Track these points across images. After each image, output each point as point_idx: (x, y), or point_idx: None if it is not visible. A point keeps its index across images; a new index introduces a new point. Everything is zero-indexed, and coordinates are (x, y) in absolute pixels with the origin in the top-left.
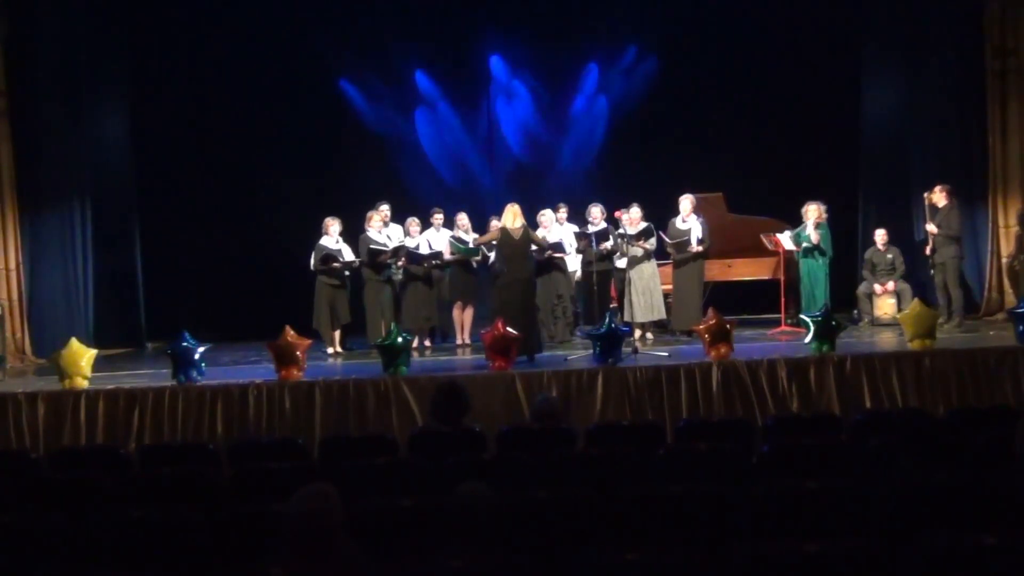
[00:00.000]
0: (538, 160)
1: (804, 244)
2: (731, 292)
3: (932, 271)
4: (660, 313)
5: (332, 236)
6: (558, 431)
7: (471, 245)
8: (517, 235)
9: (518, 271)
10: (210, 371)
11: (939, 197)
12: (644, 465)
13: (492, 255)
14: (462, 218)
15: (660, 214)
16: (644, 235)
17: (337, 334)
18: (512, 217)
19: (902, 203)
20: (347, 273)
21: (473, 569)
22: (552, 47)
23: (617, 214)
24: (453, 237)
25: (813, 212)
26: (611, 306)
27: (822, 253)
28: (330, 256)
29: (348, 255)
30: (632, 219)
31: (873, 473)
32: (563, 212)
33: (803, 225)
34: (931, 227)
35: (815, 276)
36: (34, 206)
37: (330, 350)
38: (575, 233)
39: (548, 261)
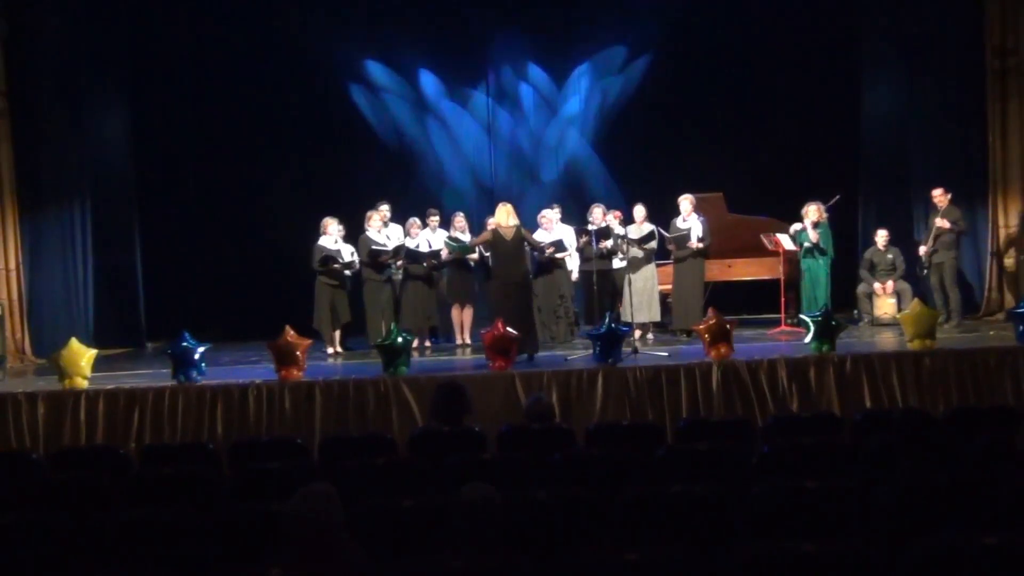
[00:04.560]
0: (538, 160)
1: (804, 244)
2: (731, 292)
3: (927, 271)
4: (656, 314)
5: (331, 236)
6: (558, 431)
7: (469, 244)
8: (509, 234)
9: (510, 272)
10: (210, 371)
11: (942, 199)
12: (644, 465)
13: (489, 255)
14: (459, 218)
15: (660, 214)
16: (647, 239)
17: (337, 334)
18: (505, 216)
19: (902, 203)
20: (348, 273)
21: (473, 569)
22: (553, 47)
23: (615, 215)
24: (449, 237)
25: (813, 212)
26: (618, 308)
27: (822, 253)
28: (330, 257)
29: (347, 255)
30: (636, 219)
31: (873, 473)
32: (557, 211)
33: (803, 225)
34: (943, 222)
35: (815, 276)
36: (34, 206)
37: (330, 350)
38: (575, 230)
39: (550, 260)
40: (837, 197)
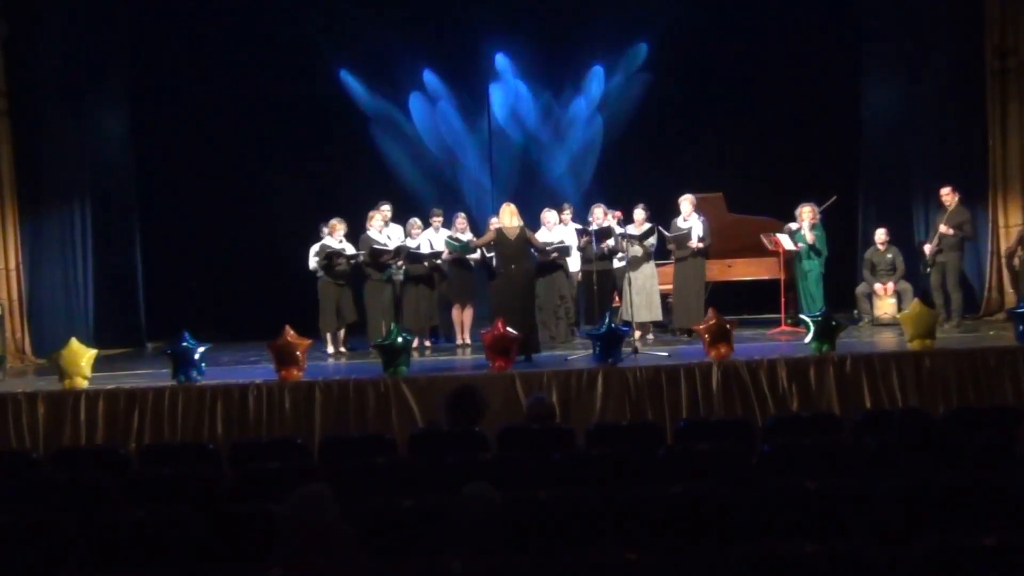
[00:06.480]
0: (539, 160)
1: (801, 244)
2: (731, 292)
3: (928, 270)
4: (657, 314)
5: (336, 237)
6: (558, 431)
7: (467, 243)
8: (513, 235)
9: (513, 272)
10: (210, 371)
11: (949, 197)
12: (644, 465)
13: (492, 255)
14: (460, 219)
15: (660, 214)
16: (647, 236)
17: (342, 333)
18: (509, 216)
19: (902, 203)
20: (352, 263)
21: (473, 569)
22: (554, 47)
23: (615, 215)
24: (450, 236)
25: (807, 213)
26: (614, 305)
27: (818, 253)
28: (335, 254)
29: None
30: (636, 220)
31: (873, 473)
32: (568, 212)
33: (799, 226)
34: (946, 229)
35: (810, 276)
36: (34, 206)
37: (330, 350)
38: (576, 230)
39: (552, 261)
40: (834, 199)
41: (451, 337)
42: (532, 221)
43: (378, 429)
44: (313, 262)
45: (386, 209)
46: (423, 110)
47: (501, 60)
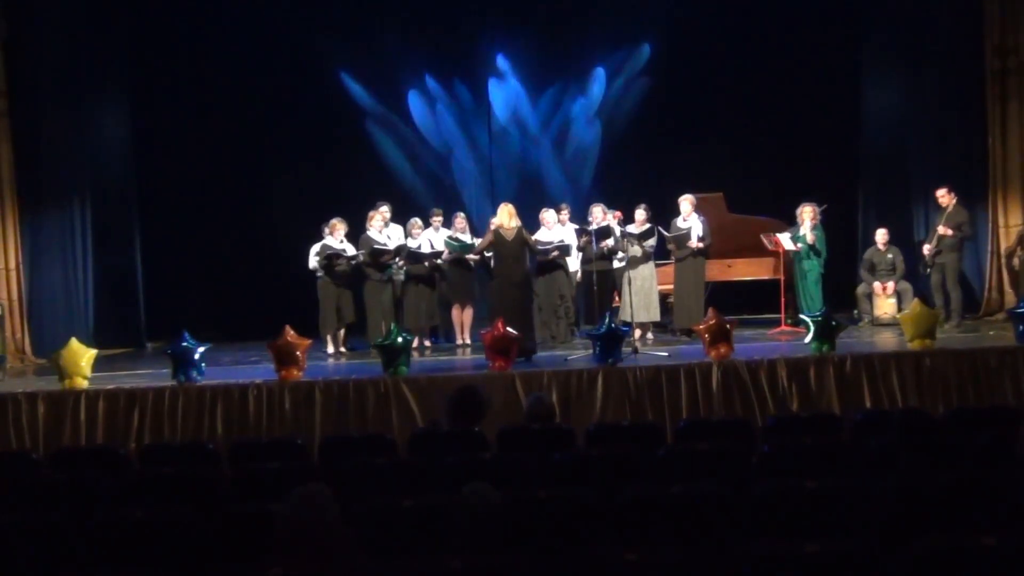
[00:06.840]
0: (539, 160)
1: (800, 244)
2: (731, 292)
3: (928, 270)
4: (655, 315)
5: (336, 237)
6: (558, 431)
7: (468, 243)
8: (511, 235)
9: (510, 273)
10: (210, 371)
11: (946, 199)
12: (644, 465)
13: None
14: (459, 219)
15: (660, 214)
16: (647, 236)
17: (342, 333)
18: (507, 217)
19: (902, 203)
20: (352, 263)
21: (473, 569)
22: (555, 48)
23: (616, 215)
24: (449, 236)
25: (809, 212)
26: (614, 305)
27: (817, 254)
28: (336, 255)
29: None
30: (636, 220)
31: (873, 473)
32: (565, 213)
33: (799, 226)
34: (944, 230)
35: (810, 276)
36: (34, 206)
37: (330, 350)
38: (576, 230)
39: (551, 261)
40: (824, 207)
41: (451, 337)
42: (531, 221)
43: (378, 429)
44: (313, 262)
45: (385, 209)
46: (423, 110)
47: (501, 61)
